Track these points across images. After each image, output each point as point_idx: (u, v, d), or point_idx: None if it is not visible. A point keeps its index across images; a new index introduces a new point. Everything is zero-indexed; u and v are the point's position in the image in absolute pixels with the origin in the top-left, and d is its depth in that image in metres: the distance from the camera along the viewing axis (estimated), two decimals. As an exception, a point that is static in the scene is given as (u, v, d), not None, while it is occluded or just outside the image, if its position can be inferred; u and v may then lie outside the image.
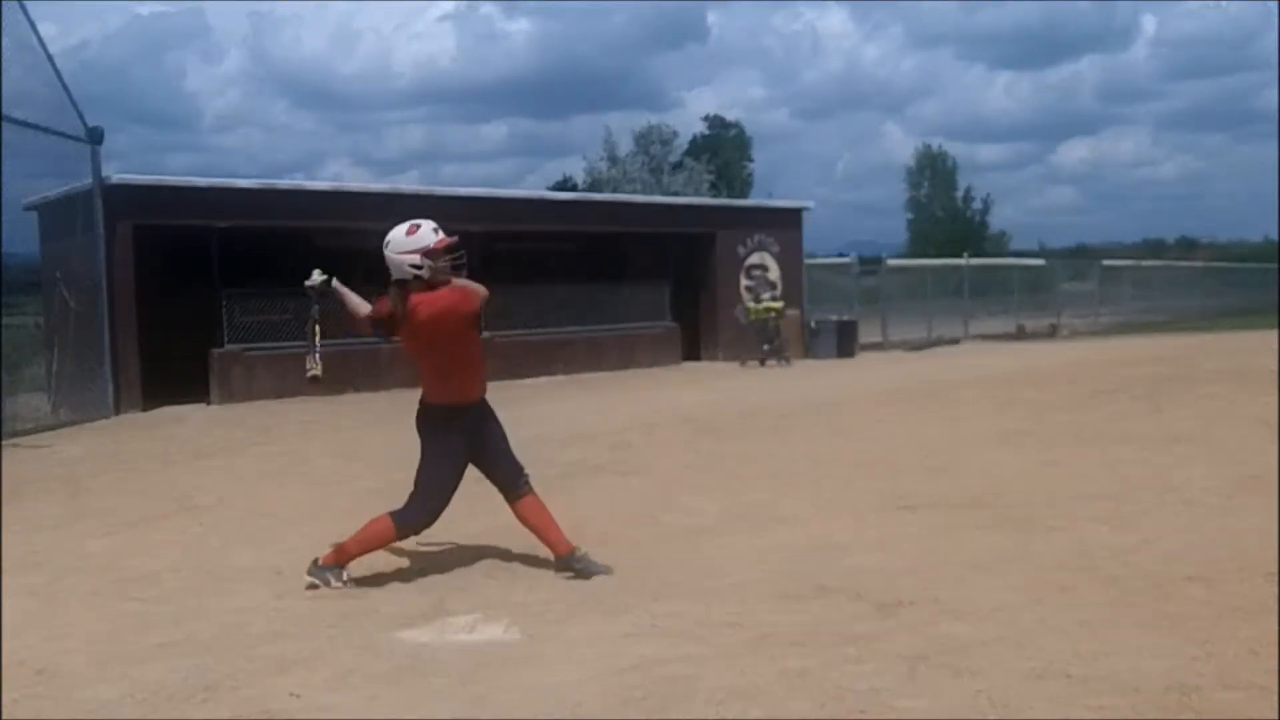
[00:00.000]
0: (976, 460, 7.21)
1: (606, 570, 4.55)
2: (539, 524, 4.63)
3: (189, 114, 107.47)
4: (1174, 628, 3.59)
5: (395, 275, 4.44)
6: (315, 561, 4.50)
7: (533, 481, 4.64)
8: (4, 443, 9.26)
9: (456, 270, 4.49)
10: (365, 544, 4.50)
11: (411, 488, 4.53)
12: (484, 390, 4.61)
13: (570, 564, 4.59)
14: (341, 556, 4.48)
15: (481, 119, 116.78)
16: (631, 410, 11.04)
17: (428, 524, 4.55)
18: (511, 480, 4.60)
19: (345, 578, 4.47)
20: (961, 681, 3.17)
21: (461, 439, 4.50)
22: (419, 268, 4.39)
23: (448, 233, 4.50)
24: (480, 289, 4.52)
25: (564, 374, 14.97)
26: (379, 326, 4.50)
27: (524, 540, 5.04)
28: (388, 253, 4.43)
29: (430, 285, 4.42)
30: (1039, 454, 7.33)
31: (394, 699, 3.22)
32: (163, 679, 3.41)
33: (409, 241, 4.40)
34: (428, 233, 4.42)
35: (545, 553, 4.77)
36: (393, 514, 4.49)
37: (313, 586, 4.44)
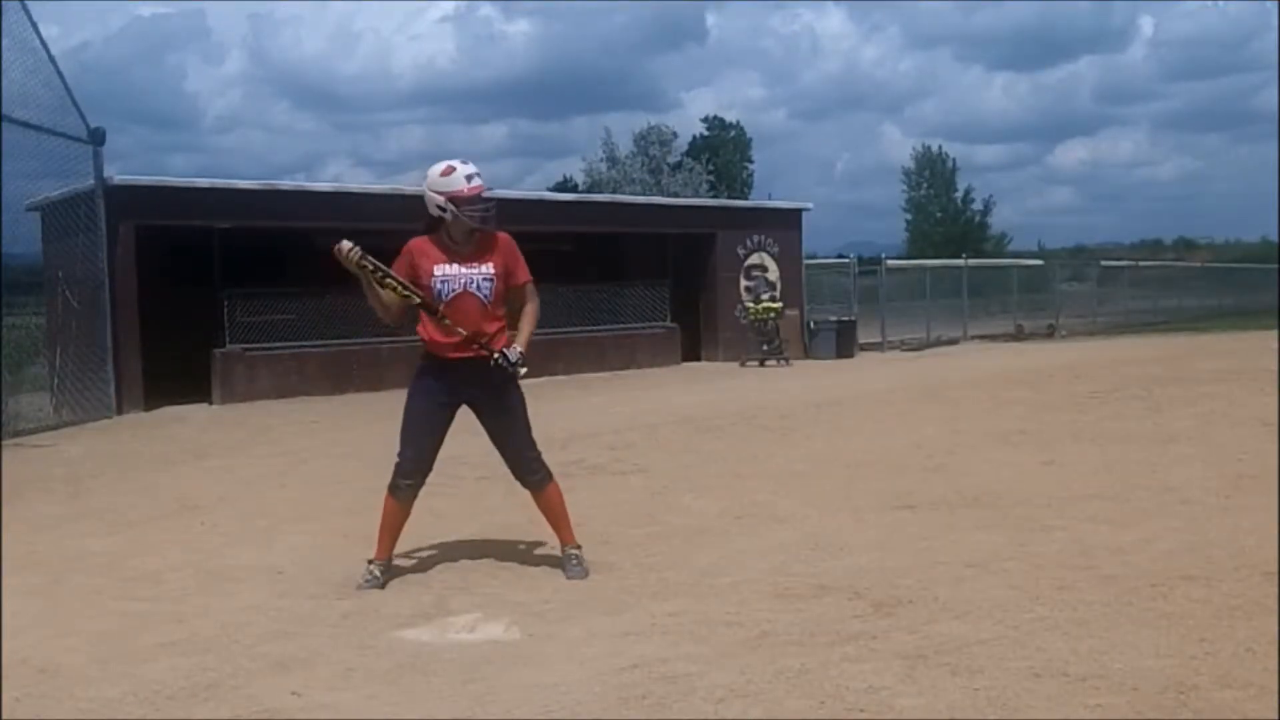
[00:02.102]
0: (975, 460, 7.22)
1: (581, 576, 4.50)
2: (552, 513, 4.63)
3: (190, 115, 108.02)
4: (1172, 627, 3.60)
5: (430, 210, 4.37)
6: (369, 561, 4.50)
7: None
8: (6, 442, 9.27)
9: (485, 222, 4.40)
10: (382, 523, 4.51)
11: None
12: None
13: (564, 558, 4.62)
14: (379, 547, 4.50)
15: (481, 120, 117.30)
16: (631, 410, 11.05)
17: (398, 471, 4.46)
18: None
19: (375, 572, 4.47)
20: (960, 680, 3.17)
21: (435, 392, 4.43)
22: (443, 210, 4.34)
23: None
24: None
25: (564, 374, 14.98)
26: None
27: (524, 540, 5.07)
28: (424, 186, 4.37)
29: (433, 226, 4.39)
30: (1038, 454, 7.34)
31: (394, 698, 3.23)
32: (164, 678, 3.42)
33: (441, 182, 4.33)
34: (460, 179, 4.32)
35: (544, 551, 4.80)
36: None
37: (371, 582, 4.42)
